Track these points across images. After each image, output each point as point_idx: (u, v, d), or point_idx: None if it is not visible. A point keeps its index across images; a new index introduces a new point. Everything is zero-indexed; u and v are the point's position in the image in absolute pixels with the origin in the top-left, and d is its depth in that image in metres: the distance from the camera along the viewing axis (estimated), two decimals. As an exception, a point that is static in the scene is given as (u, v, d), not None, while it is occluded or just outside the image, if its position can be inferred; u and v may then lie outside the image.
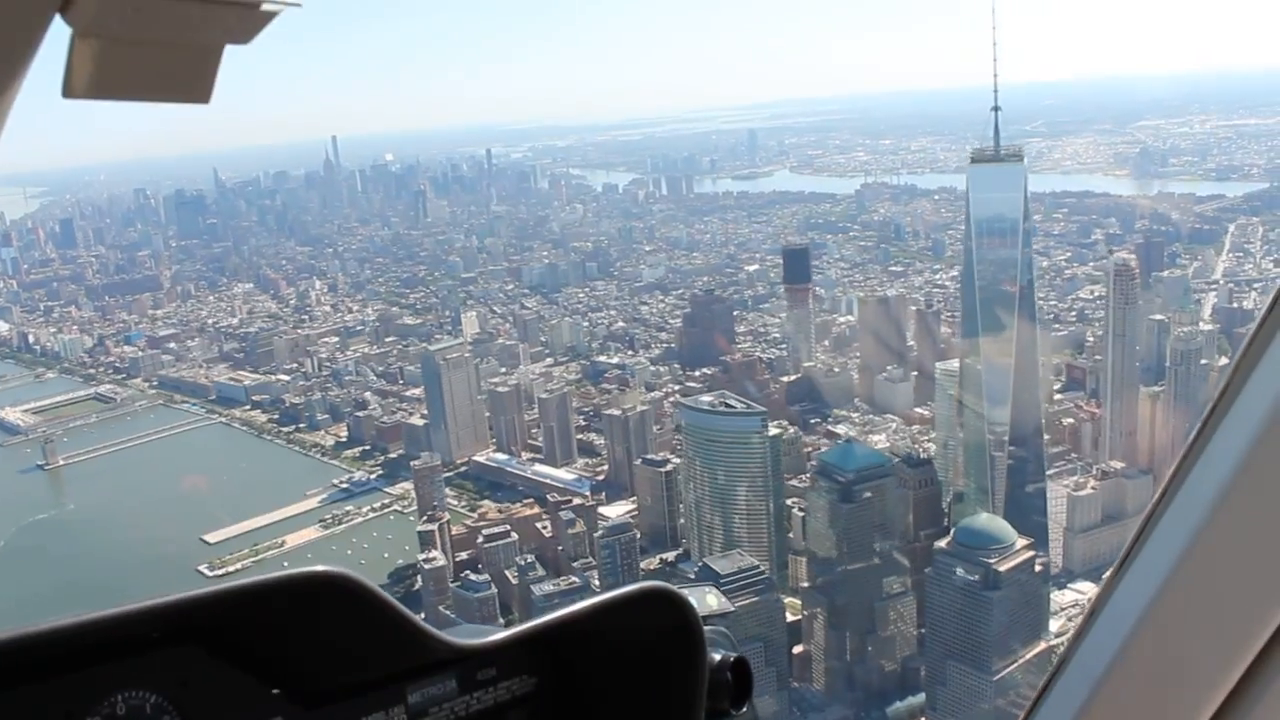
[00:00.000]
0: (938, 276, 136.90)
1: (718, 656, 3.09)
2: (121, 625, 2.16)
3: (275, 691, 2.46)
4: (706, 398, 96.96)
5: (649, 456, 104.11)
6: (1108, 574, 3.09)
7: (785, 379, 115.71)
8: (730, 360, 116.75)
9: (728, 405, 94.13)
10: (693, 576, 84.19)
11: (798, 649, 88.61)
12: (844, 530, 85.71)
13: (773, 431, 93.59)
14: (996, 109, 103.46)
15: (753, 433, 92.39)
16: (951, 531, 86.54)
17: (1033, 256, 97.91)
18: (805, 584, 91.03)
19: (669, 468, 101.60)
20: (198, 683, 2.33)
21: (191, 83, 1.56)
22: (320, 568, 2.43)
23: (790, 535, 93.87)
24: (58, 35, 1.51)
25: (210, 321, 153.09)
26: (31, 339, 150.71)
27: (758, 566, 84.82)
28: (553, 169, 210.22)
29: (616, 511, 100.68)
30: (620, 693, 3.05)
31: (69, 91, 1.46)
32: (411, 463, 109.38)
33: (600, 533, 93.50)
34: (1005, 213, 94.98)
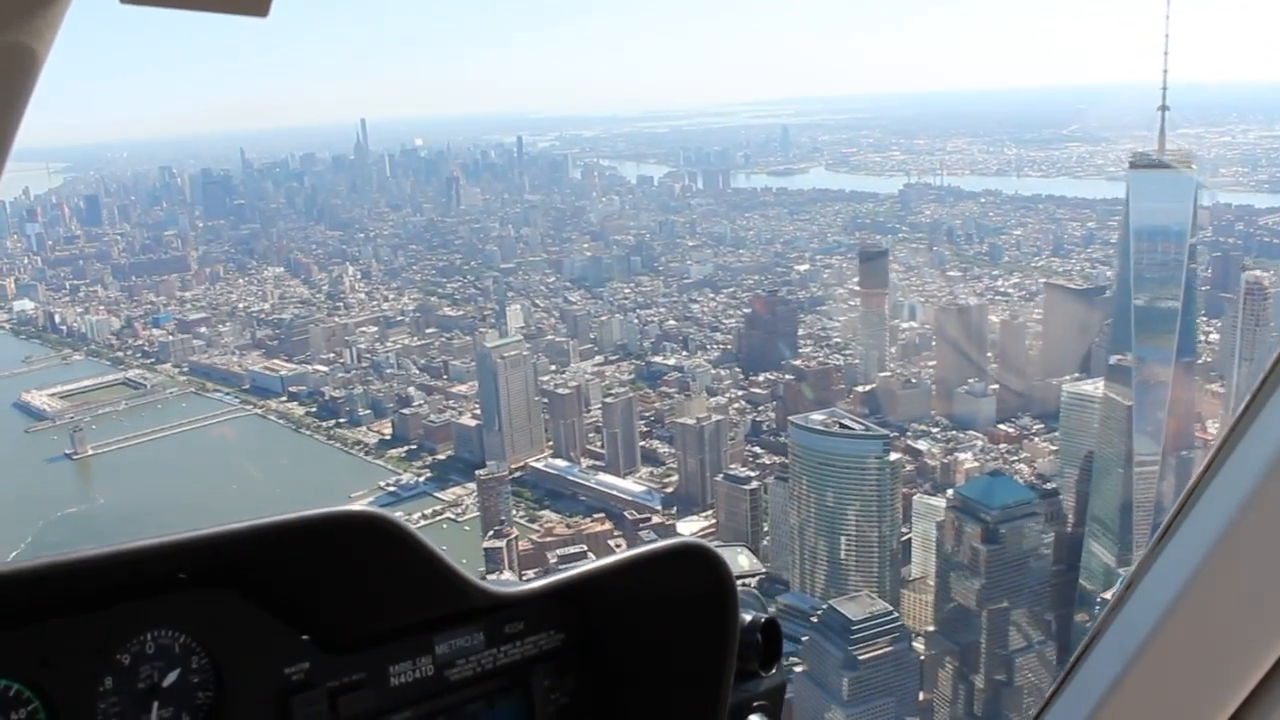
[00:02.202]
0: (999, 283, 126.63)
1: (748, 617, 3.01)
2: (154, 559, 2.12)
3: (304, 637, 2.44)
4: (818, 416, 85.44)
5: (731, 473, 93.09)
6: (1143, 553, 2.93)
7: (859, 389, 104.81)
8: (805, 367, 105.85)
9: (843, 425, 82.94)
10: (816, 620, 73.88)
11: (920, 696, 77.75)
12: (983, 571, 74.87)
13: (891, 456, 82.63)
14: (1164, 109, 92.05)
15: (872, 457, 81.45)
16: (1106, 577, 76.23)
17: (1195, 273, 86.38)
18: (931, 627, 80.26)
19: (753, 485, 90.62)
20: (227, 624, 2.33)
21: None
22: (357, 507, 2.39)
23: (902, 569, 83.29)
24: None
25: (241, 306, 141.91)
26: (58, 319, 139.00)
27: (892, 613, 74.08)
28: (583, 159, 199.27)
29: (690, 529, 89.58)
30: (649, 650, 2.96)
31: None
32: (476, 472, 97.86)
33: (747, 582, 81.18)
34: (1167, 224, 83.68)
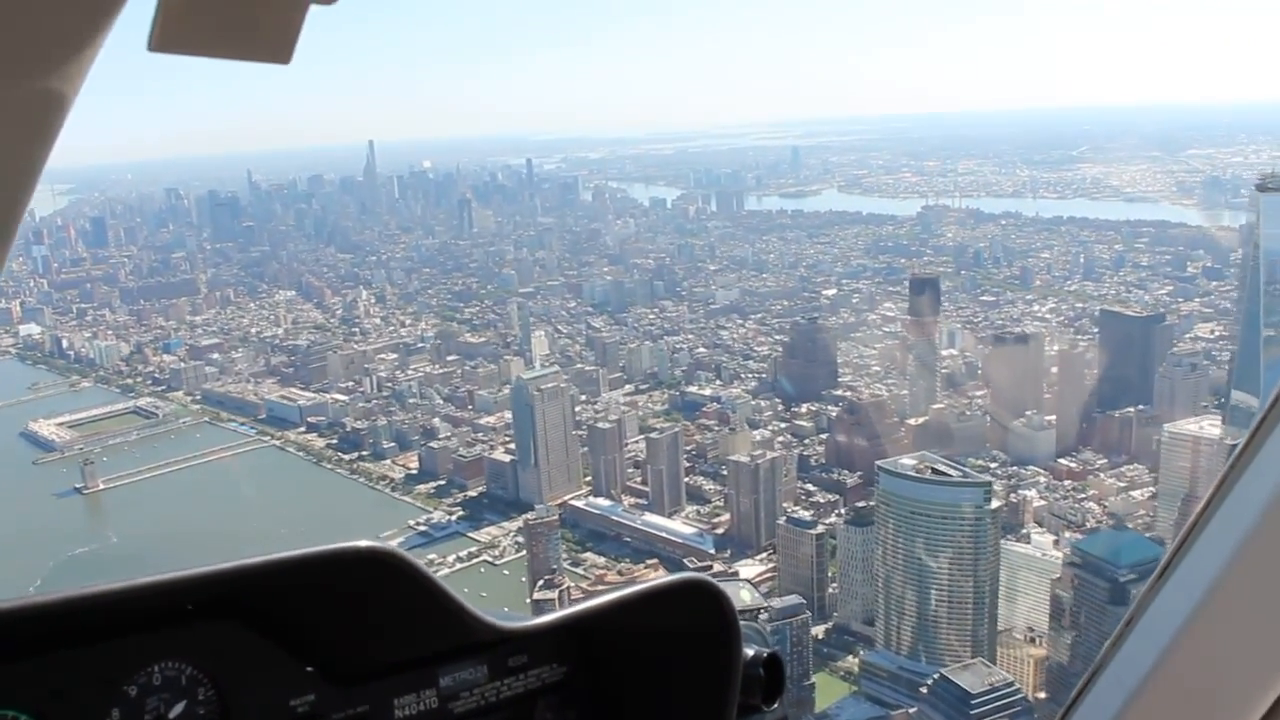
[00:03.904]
0: (1034, 308, 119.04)
1: (751, 652, 2.97)
2: (162, 593, 2.13)
3: (309, 668, 2.44)
4: (909, 460, 76.74)
5: (795, 515, 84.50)
6: (1146, 585, 2.98)
7: (911, 421, 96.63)
8: (854, 399, 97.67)
9: (937, 471, 74.31)
10: (926, 690, 65.32)
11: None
12: (1101, 633, 65.94)
13: (991, 505, 73.90)
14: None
15: (971, 505, 72.92)
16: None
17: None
18: (1042, 694, 70.88)
19: (819, 530, 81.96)
20: (234, 656, 2.32)
21: (274, 42, 1.48)
22: (365, 543, 2.40)
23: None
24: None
25: (253, 331, 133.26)
26: (65, 344, 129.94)
27: (1013, 684, 65.26)
28: (591, 181, 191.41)
29: (747, 574, 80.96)
30: (651, 684, 2.93)
31: (155, 45, 1.41)
32: (524, 516, 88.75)
33: (764, 614, 72.74)
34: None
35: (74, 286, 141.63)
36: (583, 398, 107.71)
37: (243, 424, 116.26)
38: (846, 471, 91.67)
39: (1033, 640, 73.88)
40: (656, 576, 2.90)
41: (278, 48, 1.49)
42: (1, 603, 1.92)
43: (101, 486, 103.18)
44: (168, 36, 1.41)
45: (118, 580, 1.99)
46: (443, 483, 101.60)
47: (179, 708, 2.20)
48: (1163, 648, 2.77)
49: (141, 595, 2.04)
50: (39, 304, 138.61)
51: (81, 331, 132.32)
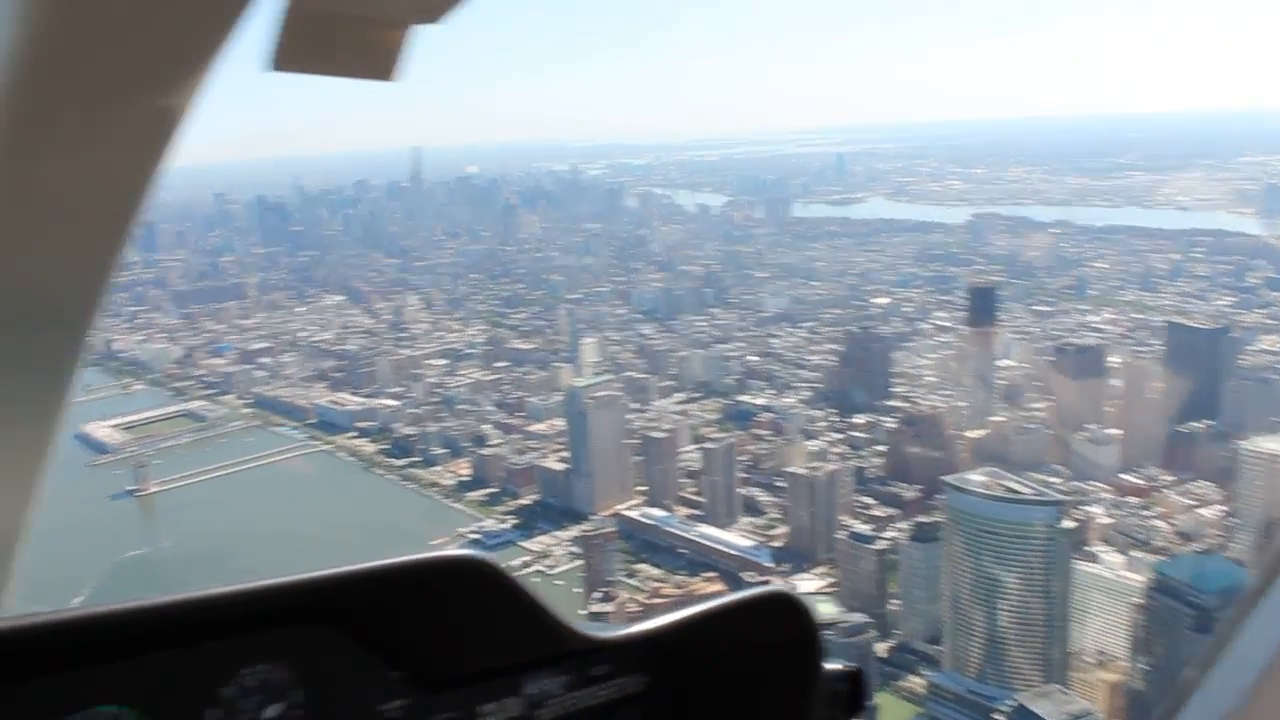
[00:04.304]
0: (1090, 319, 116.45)
1: (834, 666, 2.93)
2: (257, 600, 2.22)
3: (398, 674, 2.47)
4: (977, 476, 74.45)
5: (856, 530, 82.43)
6: (1236, 610, 2.94)
7: (970, 434, 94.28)
8: (913, 411, 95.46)
9: (1009, 489, 71.92)
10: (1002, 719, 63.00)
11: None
12: (1183, 660, 63.28)
13: (1063, 524, 71.28)
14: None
15: (1042, 525, 70.39)
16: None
17: None
18: None
19: (880, 545, 79.77)
20: (325, 660, 2.36)
21: (383, 61, 1.52)
22: (456, 551, 2.48)
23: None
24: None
25: (302, 335, 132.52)
26: (117, 346, 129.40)
27: (1094, 714, 62.87)
28: (635, 187, 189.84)
29: (805, 589, 78.90)
30: (732, 697, 2.89)
31: (275, 65, 1.45)
32: (581, 528, 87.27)
33: (829, 631, 70.67)
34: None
35: (125, 289, 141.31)
36: (634, 406, 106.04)
37: (293, 428, 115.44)
38: (905, 484, 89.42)
39: (1105, 664, 71.21)
40: (723, 589, 2.60)
41: (386, 66, 1.53)
42: (113, 605, 2.00)
43: (155, 489, 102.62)
44: (287, 56, 1.46)
45: (213, 588, 2.08)
46: (494, 490, 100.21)
47: (272, 710, 2.25)
48: (1256, 677, 2.69)
49: (240, 600, 2.14)
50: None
51: (132, 334, 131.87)
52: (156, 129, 1.65)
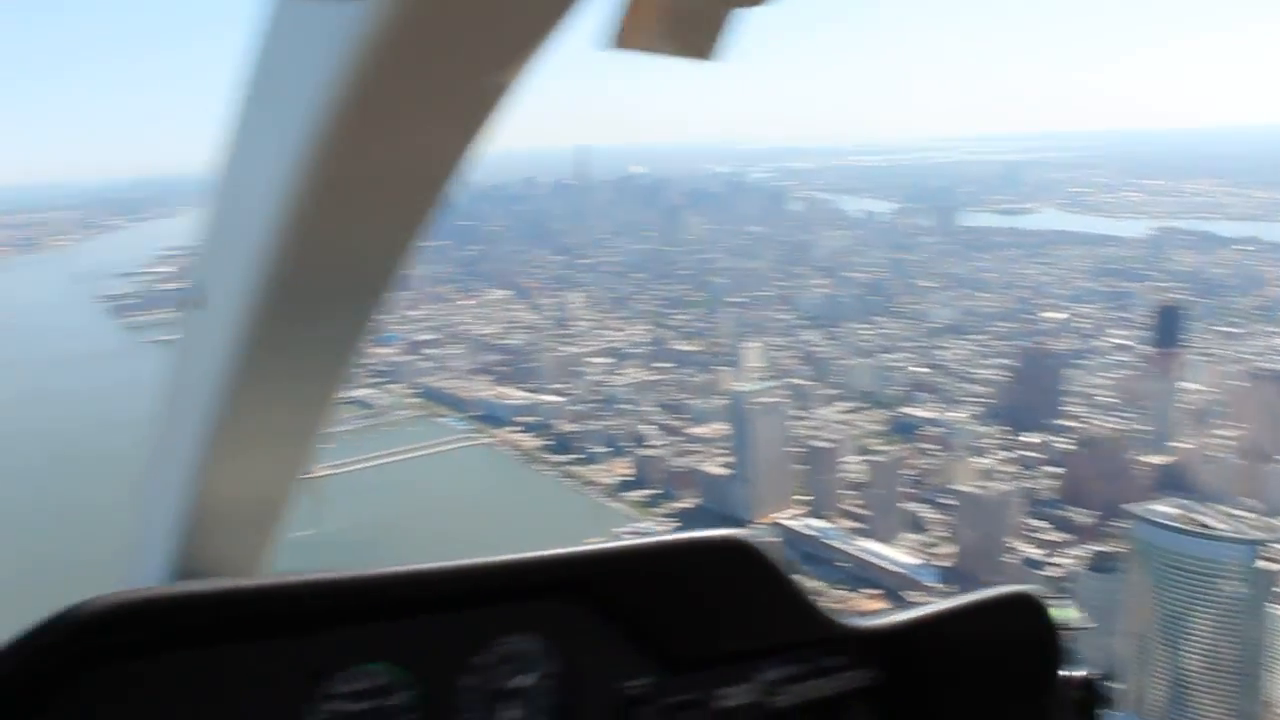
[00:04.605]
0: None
1: (1073, 670, 2.84)
2: (515, 572, 2.24)
3: (644, 653, 2.46)
4: (1164, 507, 70.39)
5: (1030, 555, 79.30)
6: None
7: (1151, 460, 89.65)
8: (1089, 432, 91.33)
9: (1200, 523, 67.88)
10: None
11: None
12: None
13: (1259, 564, 66.81)
14: None
15: (1235, 565, 66.19)
16: None
17: None
18: None
19: (1053, 572, 76.19)
20: (575, 636, 2.37)
21: (709, 40, 1.50)
22: (724, 531, 2.46)
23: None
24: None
25: (467, 329, 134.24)
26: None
27: None
28: (800, 191, 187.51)
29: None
30: (968, 697, 2.80)
31: (617, 44, 1.46)
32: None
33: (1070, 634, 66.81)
34: None
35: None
36: (796, 413, 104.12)
37: (457, 419, 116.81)
38: (1080, 510, 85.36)
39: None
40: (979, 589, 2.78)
41: (712, 46, 1.51)
42: (380, 568, 2.05)
43: (322, 472, 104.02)
44: (629, 36, 1.46)
45: (476, 558, 2.12)
46: (654, 492, 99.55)
47: (522, 680, 2.28)
48: None
49: (499, 571, 2.17)
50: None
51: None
52: (481, 108, 1.63)
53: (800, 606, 2.51)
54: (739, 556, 2.39)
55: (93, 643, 1.89)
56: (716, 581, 2.41)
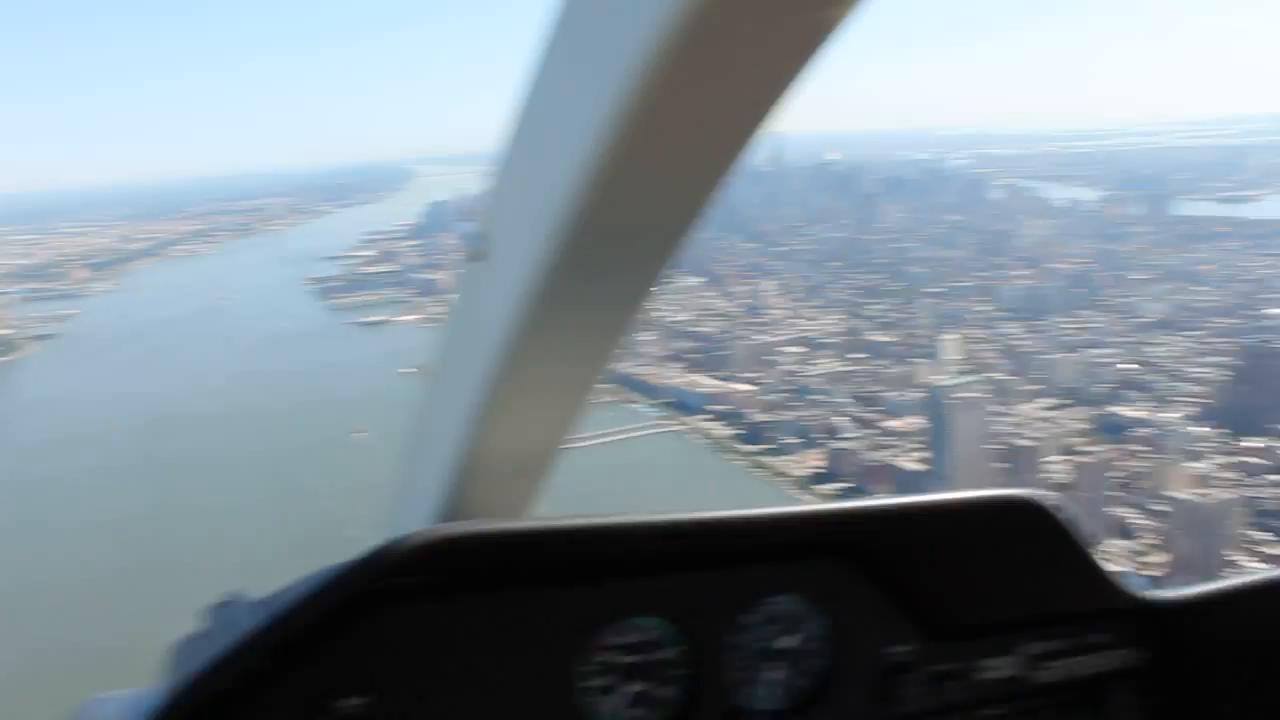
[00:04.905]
0: None
1: None
2: (784, 528, 2.21)
3: (910, 619, 2.40)
4: None
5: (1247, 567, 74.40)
6: None
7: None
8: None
9: None
10: None
11: None
12: None
13: None
14: None
15: None
16: None
17: None
18: None
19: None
20: (842, 599, 2.32)
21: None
22: (1014, 490, 2.35)
23: None
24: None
25: (660, 314, 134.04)
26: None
27: None
28: (1000, 178, 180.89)
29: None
30: (1244, 682, 2.61)
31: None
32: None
33: None
34: None
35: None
36: (996, 409, 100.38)
37: (648, 406, 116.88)
38: (1308, 522, 79.65)
39: None
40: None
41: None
42: (648, 517, 2.06)
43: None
44: None
45: (745, 509, 2.06)
46: (846, 485, 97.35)
47: (787, 640, 2.24)
48: None
49: (767, 526, 2.12)
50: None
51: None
52: (800, 50, 1.48)
53: (1093, 575, 2.36)
54: (1029, 518, 2.28)
55: (416, 573, 1.87)
56: (999, 544, 2.30)
